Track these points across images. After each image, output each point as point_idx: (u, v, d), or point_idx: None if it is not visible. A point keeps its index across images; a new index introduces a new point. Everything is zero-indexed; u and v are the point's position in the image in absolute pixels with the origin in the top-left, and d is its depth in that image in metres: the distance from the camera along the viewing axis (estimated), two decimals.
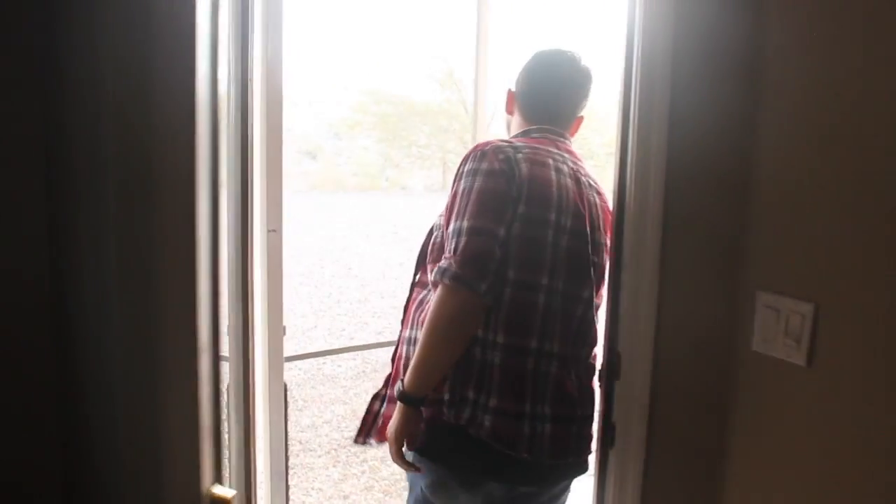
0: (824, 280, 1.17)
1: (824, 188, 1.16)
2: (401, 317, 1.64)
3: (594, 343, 1.59)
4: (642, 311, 1.39)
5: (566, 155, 1.61)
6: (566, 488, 1.65)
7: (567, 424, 1.51)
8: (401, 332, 1.60)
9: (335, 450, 4.10)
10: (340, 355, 5.99)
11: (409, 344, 1.54)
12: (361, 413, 1.65)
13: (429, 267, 1.54)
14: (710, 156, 1.32)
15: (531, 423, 1.46)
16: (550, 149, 1.58)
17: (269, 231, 1.66)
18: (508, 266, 1.45)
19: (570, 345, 1.53)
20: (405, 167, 23.53)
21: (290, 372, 5.48)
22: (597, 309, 1.60)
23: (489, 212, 1.43)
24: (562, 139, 1.65)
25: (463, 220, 1.44)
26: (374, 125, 22.83)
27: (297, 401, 4.96)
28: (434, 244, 1.55)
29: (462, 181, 1.49)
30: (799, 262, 1.20)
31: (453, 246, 1.43)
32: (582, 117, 1.72)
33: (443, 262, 1.44)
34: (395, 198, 20.01)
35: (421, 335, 1.43)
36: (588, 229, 1.55)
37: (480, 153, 1.50)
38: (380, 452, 3.88)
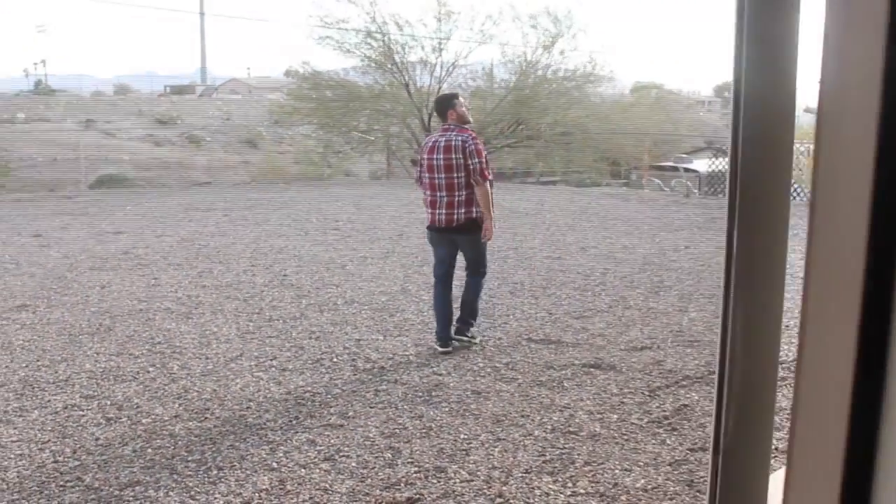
0: None
1: None
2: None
3: (451, 189, 5.66)
4: None
5: (442, 134, 5.77)
6: (457, 236, 5.84)
7: (444, 218, 5.76)
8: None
9: None
10: (269, 384, 4.97)
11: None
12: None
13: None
14: None
15: (443, 217, 5.77)
16: (435, 135, 5.93)
17: None
18: (421, 174, 5.93)
19: (439, 192, 5.71)
20: (348, 153, 22.41)
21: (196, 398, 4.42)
22: (453, 179, 5.67)
23: (417, 163, 6.23)
24: (444, 124, 5.86)
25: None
26: (312, 111, 21.63)
27: (210, 469, 3.92)
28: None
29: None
30: None
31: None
32: (452, 110, 5.79)
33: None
34: (339, 187, 18.78)
35: None
36: (434, 156, 5.69)
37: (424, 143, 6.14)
38: None
